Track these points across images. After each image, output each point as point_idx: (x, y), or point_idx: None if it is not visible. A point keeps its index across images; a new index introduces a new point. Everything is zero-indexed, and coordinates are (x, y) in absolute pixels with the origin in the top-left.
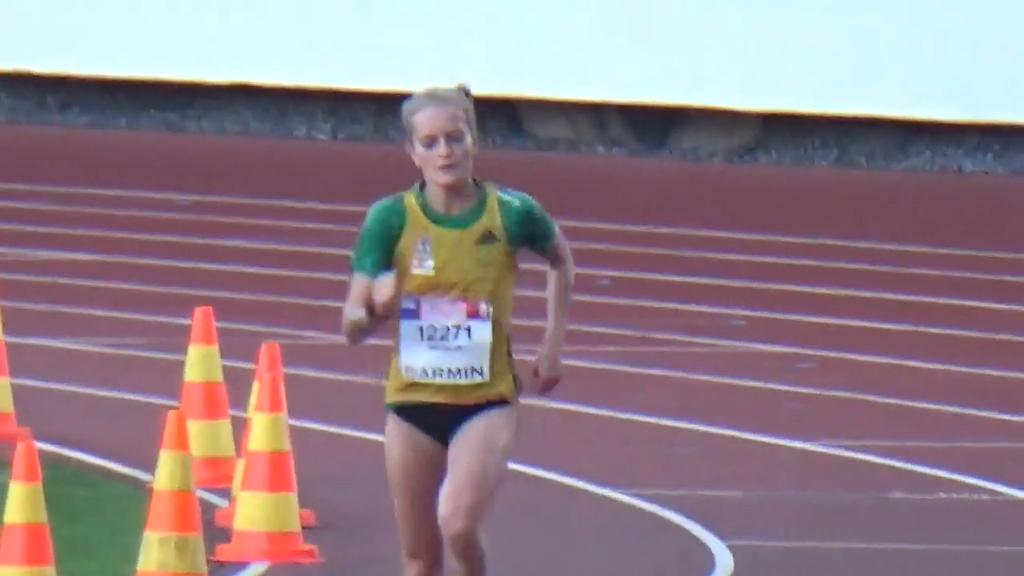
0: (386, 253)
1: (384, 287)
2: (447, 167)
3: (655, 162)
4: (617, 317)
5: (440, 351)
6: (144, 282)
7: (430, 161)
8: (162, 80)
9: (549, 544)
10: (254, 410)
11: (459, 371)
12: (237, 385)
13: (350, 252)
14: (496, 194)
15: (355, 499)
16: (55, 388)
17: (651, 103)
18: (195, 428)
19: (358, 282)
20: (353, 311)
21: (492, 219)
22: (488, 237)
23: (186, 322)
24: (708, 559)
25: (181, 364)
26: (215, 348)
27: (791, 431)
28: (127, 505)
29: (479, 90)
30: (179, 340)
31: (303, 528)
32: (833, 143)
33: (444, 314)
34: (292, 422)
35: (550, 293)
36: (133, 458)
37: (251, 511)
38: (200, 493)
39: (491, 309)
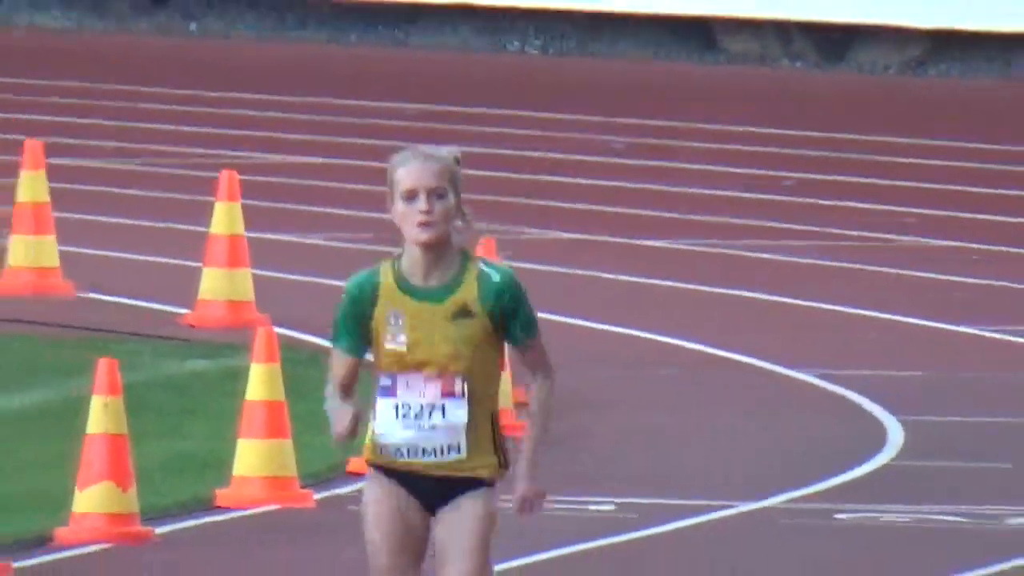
0: (361, 330)
1: (339, 425)
2: (425, 224)
3: (834, 74)
4: (799, 215)
5: (415, 431)
6: (370, 183)
7: (409, 217)
8: (387, 0)
9: (737, 422)
10: None
11: (435, 450)
12: None
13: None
14: (478, 266)
15: (568, 379)
16: (292, 279)
17: (832, 21)
18: None
19: (336, 359)
20: (330, 405)
21: (469, 292)
22: (463, 312)
23: None
24: (882, 433)
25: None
26: None
27: (964, 318)
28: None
29: (675, 9)
30: (400, 236)
31: (516, 405)
32: (997, 57)
33: (418, 393)
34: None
35: (531, 408)
36: None
37: None
38: None
39: (466, 386)
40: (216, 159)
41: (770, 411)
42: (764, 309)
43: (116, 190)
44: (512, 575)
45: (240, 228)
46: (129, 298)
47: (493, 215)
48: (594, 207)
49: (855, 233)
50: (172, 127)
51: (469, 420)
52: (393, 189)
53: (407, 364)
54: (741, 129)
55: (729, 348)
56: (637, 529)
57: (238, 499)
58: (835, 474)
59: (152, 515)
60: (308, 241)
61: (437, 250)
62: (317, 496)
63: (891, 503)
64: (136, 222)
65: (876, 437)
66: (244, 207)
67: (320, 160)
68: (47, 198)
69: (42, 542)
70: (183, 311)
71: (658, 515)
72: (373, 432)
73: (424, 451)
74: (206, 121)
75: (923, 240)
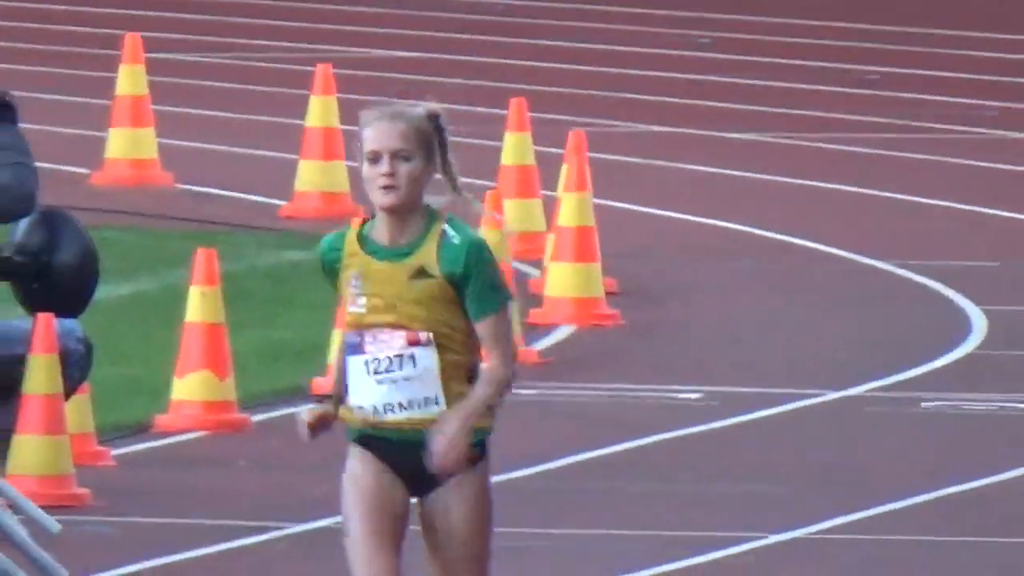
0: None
1: (300, 428)
2: (387, 188)
3: None
4: (883, 108)
5: (388, 384)
6: (466, 77)
7: (372, 180)
8: None
9: (820, 311)
10: (563, 190)
11: (411, 403)
12: (548, 168)
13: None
14: (442, 227)
15: (654, 268)
16: None
17: None
18: (510, 205)
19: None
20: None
21: (428, 253)
22: (422, 272)
23: (502, 112)
24: (965, 323)
25: (497, 150)
26: (528, 135)
27: None
28: None
29: None
30: (496, 128)
31: (606, 294)
32: None
33: (386, 345)
34: (596, 201)
35: (479, 380)
36: None
37: (560, 279)
38: (515, 264)
39: (431, 336)
40: (312, 53)
41: (852, 301)
42: (846, 200)
43: (214, 84)
44: (598, 462)
45: (335, 121)
46: (227, 190)
47: (583, 109)
48: (680, 100)
49: (935, 126)
50: (270, 21)
51: (443, 370)
52: (359, 149)
53: (369, 325)
54: (824, 24)
55: (811, 239)
56: (724, 418)
57: (330, 386)
58: (920, 363)
59: (249, 403)
60: None
61: (401, 213)
62: None
63: (976, 392)
64: (234, 115)
65: (959, 326)
66: (339, 101)
67: (416, 55)
68: (146, 91)
69: (141, 429)
70: (280, 203)
71: (744, 403)
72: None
73: (401, 406)
74: (303, 16)
75: (1003, 132)
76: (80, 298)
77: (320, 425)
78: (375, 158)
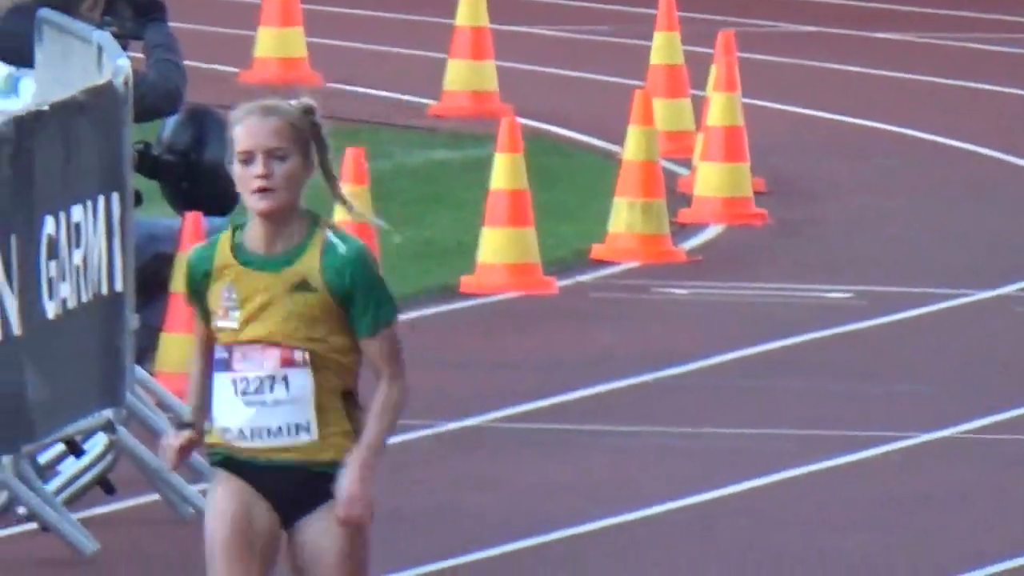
0: (202, 304)
1: (167, 449)
2: (262, 191)
3: None
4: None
5: (258, 407)
6: None
7: (245, 182)
8: None
9: (967, 211)
10: (712, 89)
11: (280, 430)
12: (697, 68)
13: None
14: (325, 234)
15: (802, 168)
16: (535, 70)
17: None
18: (659, 105)
19: (196, 326)
20: (191, 379)
21: (310, 263)
22: (302, 285)
23: (651, 11)
24: None
25: (647, 49)
26: (677, 35)
27: None
28: (599, 174)
29: None
30: (645, 28)
31: (755, 193)
32: None
33: (257, 364)
34: (745, 100)
35: (373, 404)
36: (604, 132)
37: (709, 179)
38: (663, 163)
39: (307, 356)
40: None
41: (1000, 201)
42: (991, 100)
43: None
44: (748, 362)
45: (485, 20)
46: (375, 89)
47: (732, 9)
48: (829, 0)
49: None
50: None
51: (318, 394)
52: (231, 148)
53: (241, 341)
54: None
55: (958, 138)
56: (872, 317)
57: (482, 286)
58: None
59: (398, 302)
60: (550, 33)
61: (279, 218)
62: (560, 283)
63: None
64: (383, 14)
65: None
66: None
67: None
68: None
69: None
70: (428, 102)
71: (892, 303)
72: (213, 416)
73: (269, 432)
74: None
75: None
76: (228, 197)
77: (187, 450)
78: (248, 158)
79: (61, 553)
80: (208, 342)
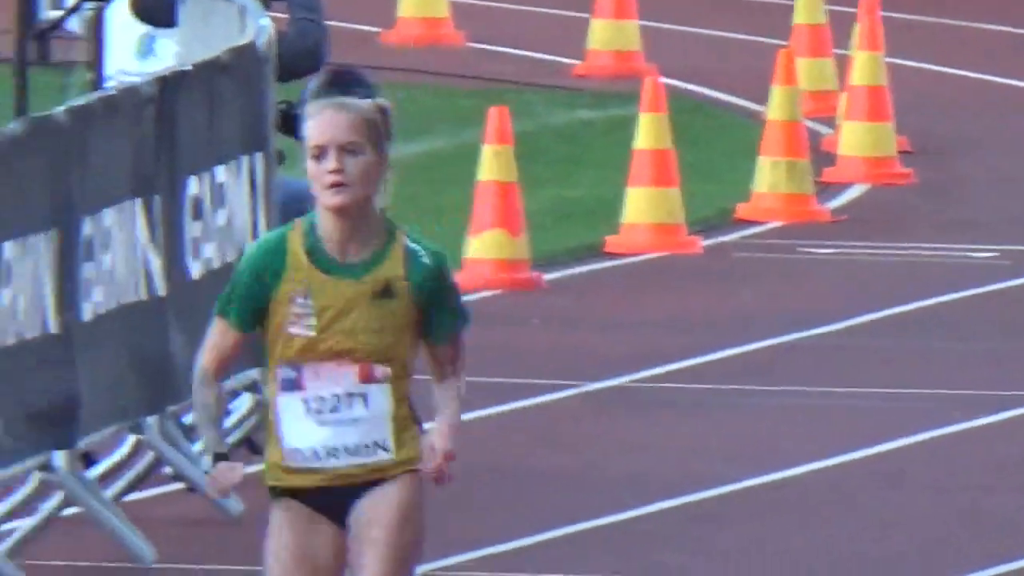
0: (255, 306)
1: (222, 480)
2: (336, 185)
3: None
4: None
5: (332, 427)
6: None
7: (318, 178)
8: None
9: None
10: (855, 48)
11: (358, 449)
12: (840, 27)
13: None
14: (405, 240)
15: (945, 127)
16: (678, 29)
17: None
18: (803, 64)
19: (218, 330)
20: (198, 399)
21: (394, 268)
22: (386, 291)
23: None
24: None
25: (790, 8)
26: None
27: None
28: (743, 133)
29: None
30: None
31: (899, 153)
32: None
33: (332, 381)
34: (889, 59)
35: (442, 392)
36: (748, 91)
37: (852, 138)
38: (807, 122)
39: (389, 372)
40: None
41: None
42: None
43: None
44: (892, 321)
45: None
46: (519, 48)
47: None
48: None
49: None
50: None
51: (396, 409)
52: (304, 145)
53: (316, 352)
54: None
55: None
56: (1017, 276)
57: (626, 246)
58: None
59: (541, 261)
60: None
61: (354, 216)
62: (704, 243)
63: None
64: None
65: None
66: None
67: None
68: None
69: None
70: (572, 61)
71: None
72: (274, 446)
73: (347, 450)
74: None
75: None
76: None
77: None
78: (320, 153)
79: (207, 513)
80: (234, 352)
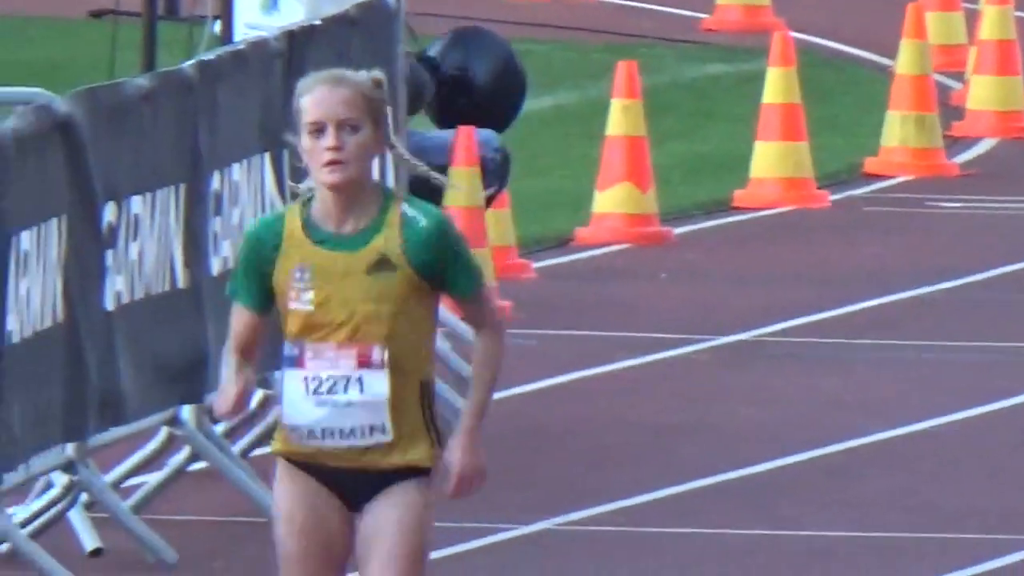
0: (261, 284)
1: (222, 398)
2: (333, 163)
3: None
4: None
5: (329, 408)
6: None
7: (315, 155)
8: None
9: None
10: (984, 2)
11: (352, 432)
12: None
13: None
14: (400, 208)
15: None
16: None
17: None
18: (932, 18)
19: (237, 315)
20: (223, 370)
21: (390, 240)
22: (382, 263)
23: None
24: None
25: None
26: None
27: None
28: (871, 87)
29: None
30: None
31: None
32: None
33: (330, 362)
34: (1018, 13)
35: (474, 367)
36: (876, 45)
37: (981, 92)
38: (936, 76)
39: (387, 355)
40: None
41: None
42: None
43: None
44: (1019, 275)
45: None
46: (649, 3)
47: None
48: None
49: None
50: None
51: (393, 394)
52: (299, 121)
53: (316, 327)
54: None
55: None
56: None
57: (755, 200)
58: None
59: (670, 216)
60: None
61: (352, 192)
62: (832, 197)
63: None
64: None
65: None
66: None
67: None
68: None
69: (563, 242)
70: (702, 16)
71: None
72: (280, 414)
73: (342, 432)
74: None
75: None
76: (503, 113)
77: (240, 402)
78: (317, 129)
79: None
80: (250, 334)
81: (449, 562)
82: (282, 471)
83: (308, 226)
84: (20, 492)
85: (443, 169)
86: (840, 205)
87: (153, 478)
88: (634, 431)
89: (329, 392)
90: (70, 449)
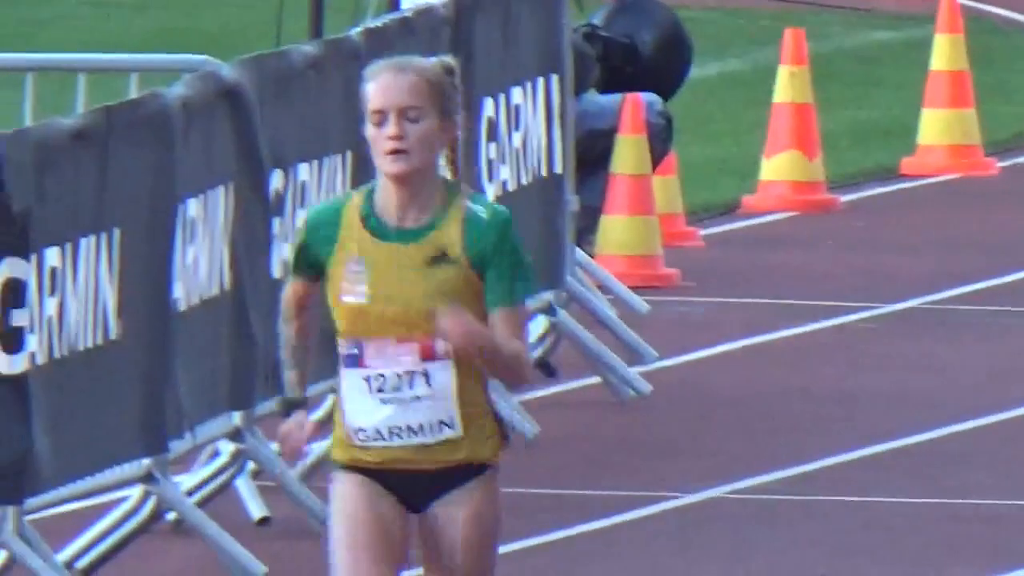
0: (314, 271)
1: (290, 441)
2: (395, 152)
3: None
4: None
5: (395, 405)
6: None
7: (377, 144)
8: None
9: None
10: None
11: (422, 428)
12: None
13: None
14: (465, 202)
15: None
16: None
17: None
18: None
19: (287, 289)
20: (285, 331)
21: (450, 233)
22: (441, 257)
23: None
24: None
25: None
26: None
27: None
28: None
29: None
30: None
31: None
32: None
33: (393, 359)
34: None
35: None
36: None
37: None
38: None
39: (450, 348)
40: None
41: None
42: None
43: None
44: None
45: None
46: None
47: None
48: None
49: None
50: None
51: (461, 386)
52: (364, 107)
53: (369, 322)
54: None
55: None
56: None
57: (922, 167)
58: None
59: (837, 183)
60: None
61: (414, 183)
62: (1000, 164)
63: None
64: None
65: None
66: None
67: None
68: None
69: (730, 209)
70: None
71: None
72: (341, 421)
73: (411, 430)
74: None
75: None
76: (668, 81)
77: (311, 436)
78: (380, 119)
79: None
80: (303, 300)
81: (621, 529)
82: (341, 474)
83: (367, 216)
84: (186, 461)
85: (606, 133)
86: (1008, 172)
87: (319, 447)
88: (802, 399)
89: (395, 390)
90: (237, 417)
